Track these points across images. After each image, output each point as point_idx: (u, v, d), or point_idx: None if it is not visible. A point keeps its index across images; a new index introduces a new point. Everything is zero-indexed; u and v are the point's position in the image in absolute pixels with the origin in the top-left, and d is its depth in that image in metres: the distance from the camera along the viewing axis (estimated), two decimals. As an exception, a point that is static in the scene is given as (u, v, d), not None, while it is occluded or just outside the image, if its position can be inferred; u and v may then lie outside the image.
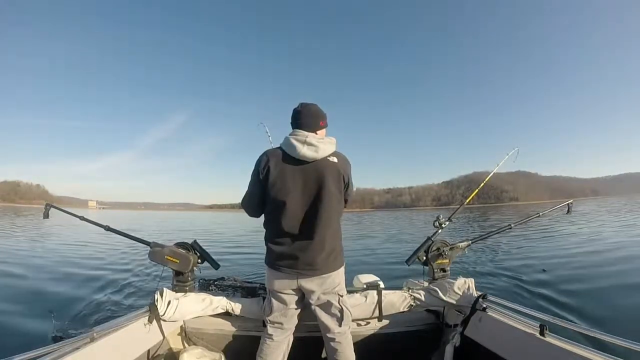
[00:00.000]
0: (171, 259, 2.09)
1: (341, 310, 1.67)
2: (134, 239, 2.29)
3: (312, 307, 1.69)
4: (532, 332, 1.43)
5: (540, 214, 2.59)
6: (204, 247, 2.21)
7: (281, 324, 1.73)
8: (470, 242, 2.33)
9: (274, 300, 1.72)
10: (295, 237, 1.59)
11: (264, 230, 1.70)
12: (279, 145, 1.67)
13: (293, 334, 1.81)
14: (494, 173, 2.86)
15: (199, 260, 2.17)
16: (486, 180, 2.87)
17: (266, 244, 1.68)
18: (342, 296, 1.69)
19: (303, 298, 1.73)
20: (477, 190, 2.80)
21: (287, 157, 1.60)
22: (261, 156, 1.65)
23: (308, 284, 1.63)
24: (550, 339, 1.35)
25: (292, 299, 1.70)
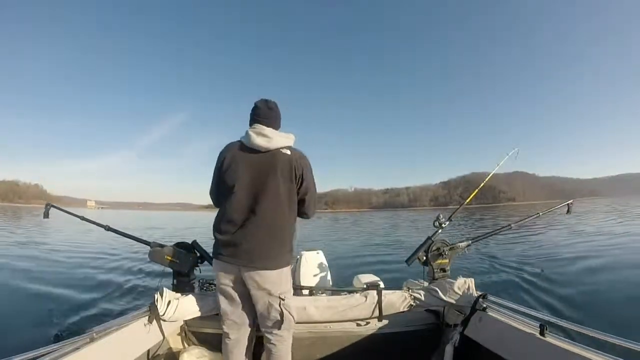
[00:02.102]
0: (171, 259, 2.09)
1: (282, 314, 1.63)
2: (134, 239, 2.29)
3: (255, 306, 1.66)
4: (532, 332, 1.43)
5: (540, 214, 2.58)
6: (203, 247, 2.21)
7: (233, 320, 1.70)
8: (470, 242, 2.33)
9: (220, 295, 1.69)
10: (239, 225, 1.58)
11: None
12: (239, 139, 1.72)
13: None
14: (493, 173, 2.85)
15: (199, 260, 2.17)
16: (486, 180, 2.87)
17: (213, 234, 1.66)
18: (284, 300, 1.63)
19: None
20: (476, 190, 2.80)
21: (243, 147, 1.66)
22: (222, 149, 1.73)
23: (250, 278, 1.58)
24: (550, 339, 1.34)
25: (237, 293, 1.66)
